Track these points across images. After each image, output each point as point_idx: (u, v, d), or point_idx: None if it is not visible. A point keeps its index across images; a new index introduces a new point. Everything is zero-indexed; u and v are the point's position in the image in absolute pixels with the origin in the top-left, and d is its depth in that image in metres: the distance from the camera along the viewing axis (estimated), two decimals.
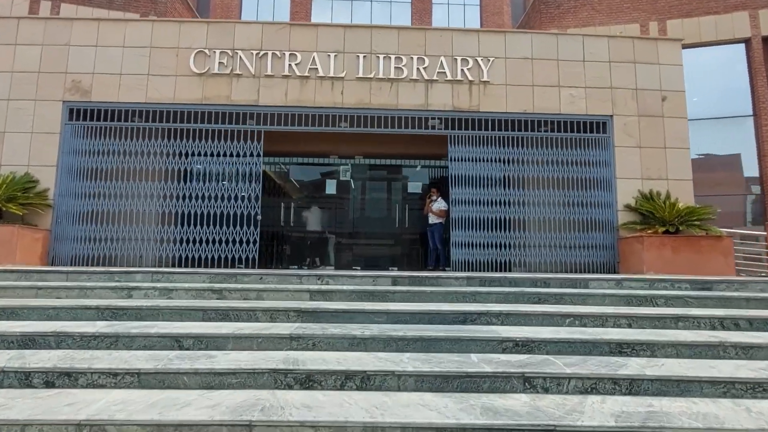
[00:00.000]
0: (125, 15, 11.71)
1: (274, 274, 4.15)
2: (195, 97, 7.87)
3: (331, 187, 9.10)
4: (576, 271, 7.89)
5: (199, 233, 7.67)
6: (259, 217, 7.69)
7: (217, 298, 3.62)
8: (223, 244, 7.66)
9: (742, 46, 12.91)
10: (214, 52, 7.94)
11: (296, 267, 9.11)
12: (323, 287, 3.71)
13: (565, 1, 13.41)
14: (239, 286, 3.71)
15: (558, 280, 4.11)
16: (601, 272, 7.88)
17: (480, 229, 7.84)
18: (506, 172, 8.06)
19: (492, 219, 7.89)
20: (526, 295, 3.70)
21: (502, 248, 7.89)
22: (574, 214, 8.03)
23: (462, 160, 7.99)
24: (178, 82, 7.89)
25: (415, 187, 9.26)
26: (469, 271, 7.72)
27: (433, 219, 8.30)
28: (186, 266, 7.69)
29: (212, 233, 7.67)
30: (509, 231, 7.97)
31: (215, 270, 4.14)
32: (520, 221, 8.04)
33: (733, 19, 12.88)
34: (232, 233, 7.67)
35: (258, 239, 7.68)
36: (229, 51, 7.96)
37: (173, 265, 7.78)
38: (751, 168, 12.49)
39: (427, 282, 4.02)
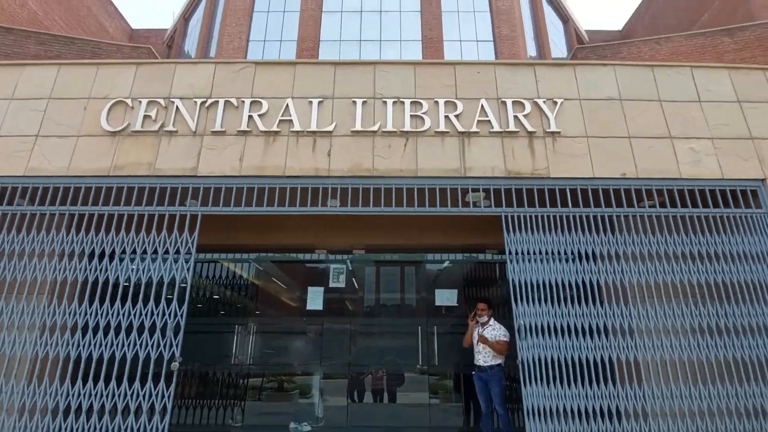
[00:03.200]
0: None
1: None
2: (100, 166, 5.07)
3: (315, 299, 5.89)
4: None
5: (94, 392, 4.32)
6: (175, 363, 4.35)
7: None
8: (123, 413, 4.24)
9: None
10: (139, 102, 5.31)
11: None
12: None
13: (609, 52, 11.13)
14: None
15: None
16: None
17: (572, 383, 4.31)
18: (596, 276, 4.74)
19: (588, 362, 4.40)
20: None
21: (605, 416, 4.28)
22: (721, 349, 4.51)
23: (528, 256, 4.74)
24: (78, 146, 5.16)
25: (446, 297, 5.96)
26: None
27: (484, 357, 4.81)
28: None
29: (106, 391, 4.30)
30: (616, 383, 4.41)
31: None
32: (630, 365, 4.52)
33: None
34: (127, 394, 4.28)
35: (169, 405, 4.26)
36: (161, 100, 5.32)
37: None
38: None
39: None
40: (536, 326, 4.49)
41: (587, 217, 4.90)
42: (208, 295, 6.41)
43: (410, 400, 6.81)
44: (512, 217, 4.88)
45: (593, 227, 4.86)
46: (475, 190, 5.01)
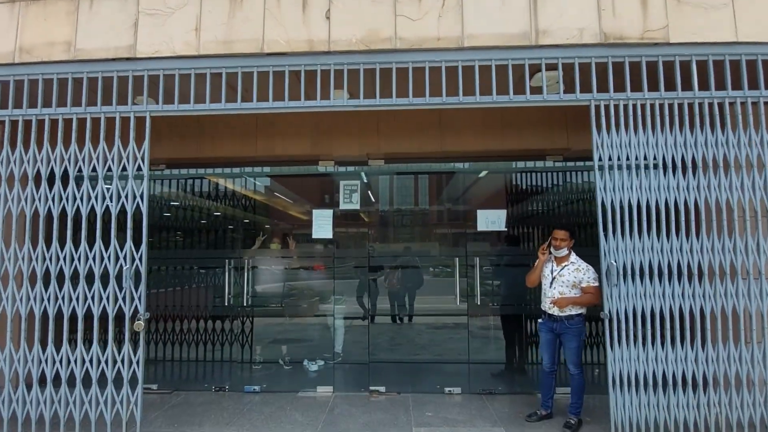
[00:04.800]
0: None
1: None
2: (1, 50, 3.50)
3: (323, 226, 4.62)
4: None
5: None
6: (140, 322, 3.27)
7: None
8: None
9: None
10: None
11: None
12: None
13: None
14: None
15: None
16: None
17: (676, 342, 3.13)
18: (726, 194, 3.24)
19: (695, 314, 3.15)
20: None
21: (708, 384, 3.17)
22: None
23: (628, 163, 3.24)
24: None
25: (491, 220, 4.59)
26: None
27: (561, 306, 3.53)
28: None
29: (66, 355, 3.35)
30: (702, 342, 3.20)
31: None
32: (727, 317, 3.25)
33: None
34: (85, 360, 3.31)
35: (140, 373, 3.28)
36: None
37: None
38: None
39: None
40: (631, 267, 3.17)
41: (720, 104, 3.26)
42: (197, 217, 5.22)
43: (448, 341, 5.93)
44: (607, 106, 3.27)
45: (727, 121, 3.25)
46: (551, 68, 3.32)
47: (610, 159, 3.24)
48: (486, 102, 3.29)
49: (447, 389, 4.42)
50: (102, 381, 3.29)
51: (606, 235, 3.19)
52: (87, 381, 3.29)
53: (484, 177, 4.99)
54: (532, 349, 4.74)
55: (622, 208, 3.20)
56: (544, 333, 3.60)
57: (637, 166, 3.22)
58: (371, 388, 4.46)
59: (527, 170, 4.72)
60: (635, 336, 3.15)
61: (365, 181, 5.12)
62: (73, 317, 3.33)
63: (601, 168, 3.24)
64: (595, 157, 3.24)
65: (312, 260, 5.47)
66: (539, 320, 3.68)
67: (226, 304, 4.83)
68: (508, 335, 4.78)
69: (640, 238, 3.18)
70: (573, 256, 3.58)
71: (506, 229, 4.58)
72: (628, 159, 3.23)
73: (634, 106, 3.27)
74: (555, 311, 3.52)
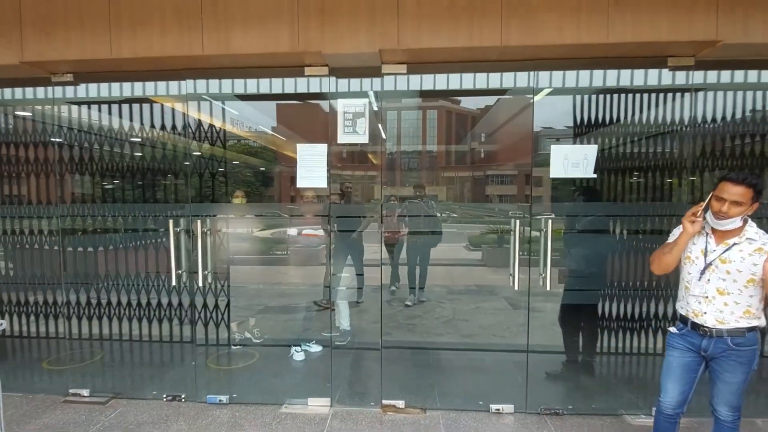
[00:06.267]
0: None
1: None
2: None
3: (313, 170, 3.02)
4: None
5: None
6: None
7: None
8: None
9: None
10: None
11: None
12: None
13: None
14: None
15: None
16: None
17: None
18: None
19: None
20: None
21: None
22: None
23: None
24: None
25: (572, 161, 2.95)
26: None
27: (719, 308, 1.99)
28: None
29: None
30: None
31: None
32: None
33: None
34: None
35: None
36: None
37: None
38: None
39: None
40: None
41: None
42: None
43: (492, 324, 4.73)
44: None
45: None
46: None
47: None
48: None
49: (494, 407, 3.08)
50: None
51: None
52: None
53: (536, 103, 3.29)
54: (610, 348, 3.37)
55: None
56: (680, 352, 2.14)
57: None
58: (385, 402, 3.14)
59: (661, 90, 3.00)
60: None
61: (375, 108, 3.44)
62: None
63: None
64: None
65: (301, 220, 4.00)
66: (671, 330, 2.21)
67: (177, 277, 3.40)
68: (578, 329, 3.39)
69: None
70: (751, 229, 2.02)
71: (595, 176, 2.99)
72: None
73: None
74: (709, 320, 2.04)
